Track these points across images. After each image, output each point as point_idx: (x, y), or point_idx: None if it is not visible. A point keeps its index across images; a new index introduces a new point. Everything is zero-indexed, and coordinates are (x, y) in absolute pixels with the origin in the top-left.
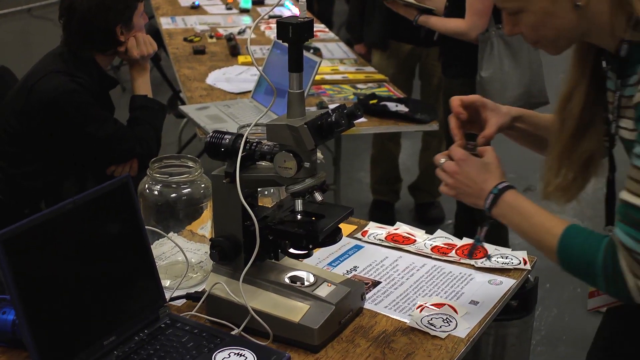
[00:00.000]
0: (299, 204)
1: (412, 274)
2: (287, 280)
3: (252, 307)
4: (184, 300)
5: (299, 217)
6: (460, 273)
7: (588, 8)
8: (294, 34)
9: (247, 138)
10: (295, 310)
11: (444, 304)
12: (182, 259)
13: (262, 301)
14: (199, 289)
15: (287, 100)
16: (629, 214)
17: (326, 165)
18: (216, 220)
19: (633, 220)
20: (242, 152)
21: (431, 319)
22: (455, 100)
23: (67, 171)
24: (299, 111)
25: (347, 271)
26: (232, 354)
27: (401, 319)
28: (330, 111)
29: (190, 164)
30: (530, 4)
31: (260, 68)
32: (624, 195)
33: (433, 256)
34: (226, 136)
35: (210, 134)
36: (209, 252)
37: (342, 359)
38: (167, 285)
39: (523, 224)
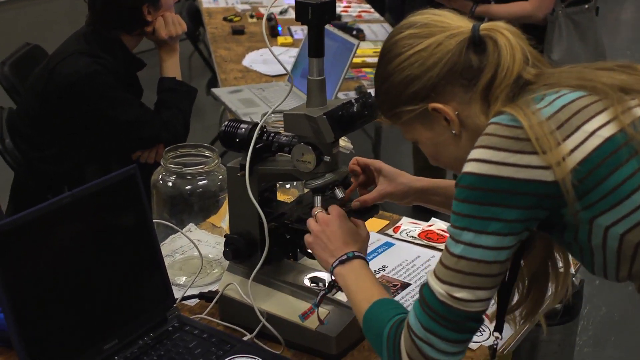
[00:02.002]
0: (318, 201)
1: None
2: (306, 282)
3: (267, 310)
4: (197, 300)
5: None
6: None
7: (467, 132)
8: (313, 15)
9: (264, 128)
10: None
11: None
12: (198, 254)
13: (277, 304)
14: (217, 286)
15: (307, 88)
16: (422, 291)
17: (365, 152)
18: (232, 216)
19: (422, 299)
20: (259, 144)
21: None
22: (353, 159)
23: (90, 156)
24: (319, 100)
25: (376, 271)
26: None
27: None
28: (353, 100)
29: (207, 153)
30: (420, 136)
31: (297, 50)
32: (428, 274)
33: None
34: (242, 125)
35: (226, 124)
36: None
37: None
38: (182, 282)
39: (352, 287)
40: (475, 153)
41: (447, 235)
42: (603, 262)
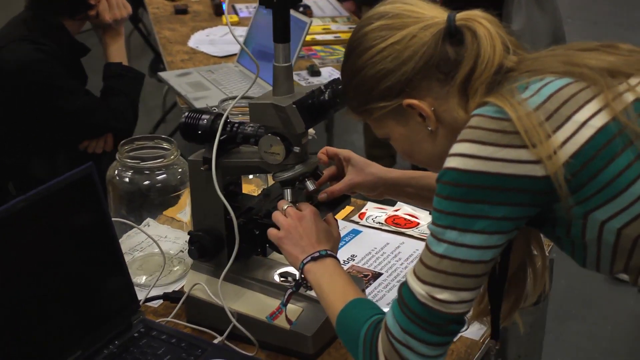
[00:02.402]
0: (287, 194)
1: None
2: (276, 278)
3: (237, 310)
4: (161, 301)
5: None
6: None
7: (444, 128)
8: None
9: (227, 118)
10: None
11: None
12: (159, 250)
13: (247, 303)
14: (180, 285)
15: (273, 75)
16: (401, 292)
17: (318, 130)
18: (195, 212)
19: (401, 299)
20: (222, 135)
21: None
22: (322, 149)
23: (35, 148)
24: (286, 87)
25: (344, 261)
26: None
27: None
28: (322, 87)
29: (165, 145)
30: (393, 133)
31: (245, 29)
32: (407, 274)
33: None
34: (203, 117)
35: (186, 114)
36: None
37: None
38: (142, 282)
39: (325, 285)
40: (459, 147)
41: (414, 219)
42: (597, 257)
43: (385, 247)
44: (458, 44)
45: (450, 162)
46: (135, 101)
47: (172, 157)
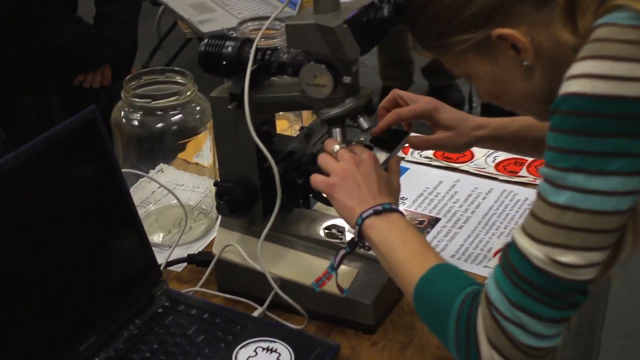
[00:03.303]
0: (337, 134)
1: (479, 205)
2: (322, 234)
3: (278, 275)
4: (184, 265)
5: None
6: None
7: (542, 62)
8: None
9: (257, 45)
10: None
11: None
12: (177, 202)
13: (290, 266)
14: (205, 242)
15: None
16: (509, 257)
17: None
18: (221, 159)
19: (509, 265)
20: (253, 65)
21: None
22: (392, 94)
23: (25, 86)
24: (331, 2)
25: None
26: (259, 350)
27: (476, 272)
28: (376, 1)
29: (179, 79)
30: (477, 70)
31: None
32: (515, 232)
33: (500, 177)
34: (227, 43)
35: (205, 41)
36: (211, 190)
37: (409, 340)
38: (159, 241)
39: (395, 245)
40: (583, 66)
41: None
42: None
43: (438, 186)
44: None
45: (573, 86)
46: (134, 27)
47: (188, 93)
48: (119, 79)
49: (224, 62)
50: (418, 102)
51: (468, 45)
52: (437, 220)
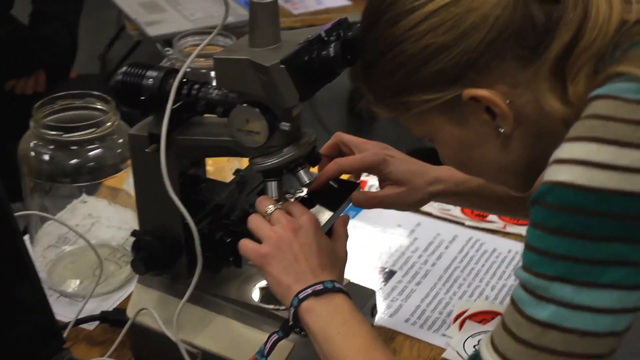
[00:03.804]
0: (272, 189)
1: (440, 255)
2: (257, 298)
3: (201, 346)
4: (98, 323)
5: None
6: (510, 251)
7: (523, 128)
8: None
9: (183, 77)
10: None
11: (495, 313)
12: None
13: (216, 336)
14: (126, 293)
15: (250, 13)
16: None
17: None
18: (141, 207)
19: None
20: (176, 103)
21: (478, 344)
22: (335, 137)
23: None
24: (270, 34)
25: None
26: None
27: (433, 342)
28: (324, 34)
29: (99, 105)
30: (441, 135)
31: None
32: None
33: (467, 222)
34: (149, 73)
35: (124, 70)
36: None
37: None
38: (73, 291)
39: (334, 337)
40: (577, 149)
41: None
42: None
43: (396, 228)
44: (550, 1)
45: (562, 173)
46: (74, 26)
47: (109, 124)
48: (55, 84)
49: (143, 97)
50: (364, 149)
51: (431, 105)
52: (392, 273)
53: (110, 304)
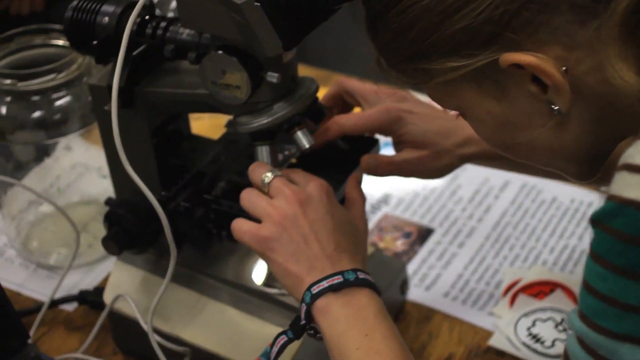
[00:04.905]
0: (264, 154)
1: (488, 207)
2: (257, 279)
3: (189, 340)
4: (76, 304)
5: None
6: (574, 201)
7: (585, 103)
8: None
9: (150, 11)
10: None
11: (555, 284)
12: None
13: (208, 328)
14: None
15: None
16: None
17: None
18: (114, 171)
19: None
20: (137, 47)
21: (534, 325)
22: (337, 82)
23: None
24: None
25: (372, 208)
26: None
27: (477, 323)
28: None
29: (63, 42)
30: (472, 107)
31: None
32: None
33: None
34: (105, 8)
35: (74, 4)
36: None
37: None
38: (56, 260)
39: (354, 353)
40: None
41: None
42: None
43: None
44: None
45: (637, 189)
46: None
47: (74, 66)
48: (56, 2)
49: (96, 41)
50: (374, 102)
51: (460, 73)
52: (429, 231)
53: (94, 277)
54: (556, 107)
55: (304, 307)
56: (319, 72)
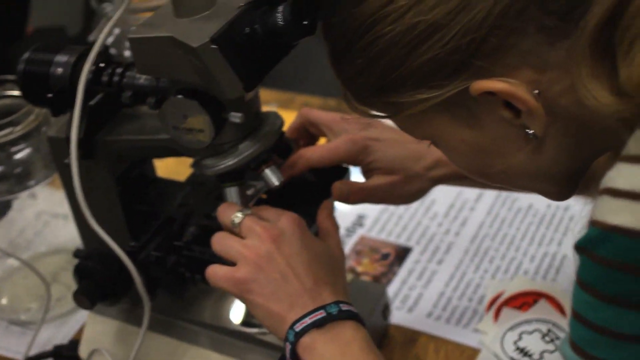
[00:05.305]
0: (233, 195)
1: (465, 221)
2: (234, 319)
3: None
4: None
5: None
6: (550, 206)
7: (560, 124)
8: None
9: (105, 57)
10: None
11: (538, 294)
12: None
13: None
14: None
15: None
16: None
17: None
18: (79, 222)
19: None
20: (94, 96)
21: (520, 339)
22: (303, 111)
23: None
24: None
25: (347, 231)
26: None
27: (462, 341)
28: None
29: (18, 93)
30: (445, 137)
31: None
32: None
33: None
34: (58, 59)
35: (26, 56)
36: None
37: None
38: (27, 315)
39: None
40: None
41: None
42: None
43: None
44: None
45: (620, 215)
46: None
47: (32, 117)
48: (8, 43)
49: (51, 94)
50: (339, 131)
51: (430, 104)
52: (407, 250)
53: (68, 329)
54: (531, 131)
55: (288, 346)
56: (281, 95)
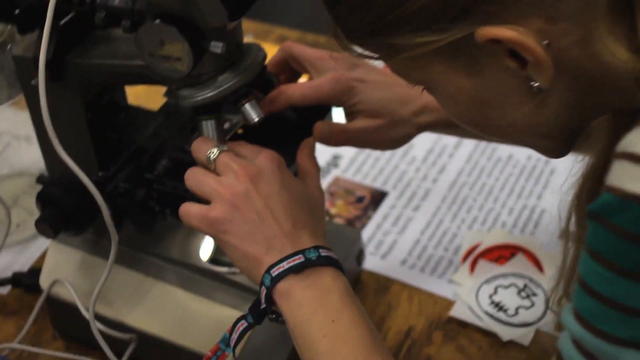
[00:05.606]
0: (210, 129)
1: (443, 167)
2: (204, 256)
3: (135, 326)
4: (10, 287)
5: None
6: (531, 158)
7: (568, 79)
8: None
9: None
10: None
11: (515, 247)
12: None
13: (154, 312)
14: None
15: None
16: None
17: None
18: (44, 147)
19: None
20: (65, 15)
21: (496, 293)
22: (285, 45)
23: None
24: None
25: (321, 172)
26: None
27: (438, 293)
28: None
29: None
30: (442, 83)
31: None
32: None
33: None
34: None
35: None
36: None
37: None
38: None
39: (320, 340)
40: None
41: None
42: None
43: None
44: None
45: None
46: None
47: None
48: None
49: (18, 10)
50: (323, 69)
51: (430, 49)
52: (383, 195)
53: (28, 256)
54: (536, 84)
55: (264, 291)
56: (258, 26)
